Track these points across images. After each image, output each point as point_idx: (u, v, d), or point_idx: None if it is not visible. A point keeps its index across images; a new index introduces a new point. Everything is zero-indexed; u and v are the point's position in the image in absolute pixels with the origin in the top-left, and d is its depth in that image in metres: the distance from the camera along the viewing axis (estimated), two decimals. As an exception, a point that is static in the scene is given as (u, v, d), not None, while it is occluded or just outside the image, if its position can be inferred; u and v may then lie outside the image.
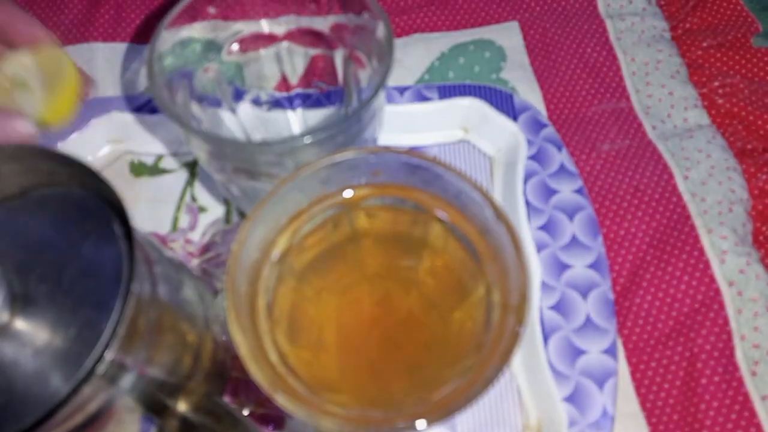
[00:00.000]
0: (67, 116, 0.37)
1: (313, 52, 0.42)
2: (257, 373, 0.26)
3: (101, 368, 0.25)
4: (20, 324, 0.26)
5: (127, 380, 0.27)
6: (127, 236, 0.27)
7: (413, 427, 0.27)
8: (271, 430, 0.39)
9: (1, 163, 0.29)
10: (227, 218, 0.45)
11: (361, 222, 0.35)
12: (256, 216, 0.29)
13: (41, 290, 0.27)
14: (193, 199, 0.46)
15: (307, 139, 0.32)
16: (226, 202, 0.46)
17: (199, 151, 0.34)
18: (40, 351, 0.26)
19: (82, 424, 0.27)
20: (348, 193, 0.33)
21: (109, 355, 0.25)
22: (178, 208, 0.46)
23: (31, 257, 0.28)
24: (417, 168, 0.31)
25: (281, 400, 0.25)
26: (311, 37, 0.41)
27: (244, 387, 0.40)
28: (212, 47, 0.40)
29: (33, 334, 0.26)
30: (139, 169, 0.48)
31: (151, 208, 0.46)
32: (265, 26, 0.41)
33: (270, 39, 0.41)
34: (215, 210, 0.46)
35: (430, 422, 0.27)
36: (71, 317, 0.27)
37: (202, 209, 0.46)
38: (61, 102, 0.36)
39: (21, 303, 0.26)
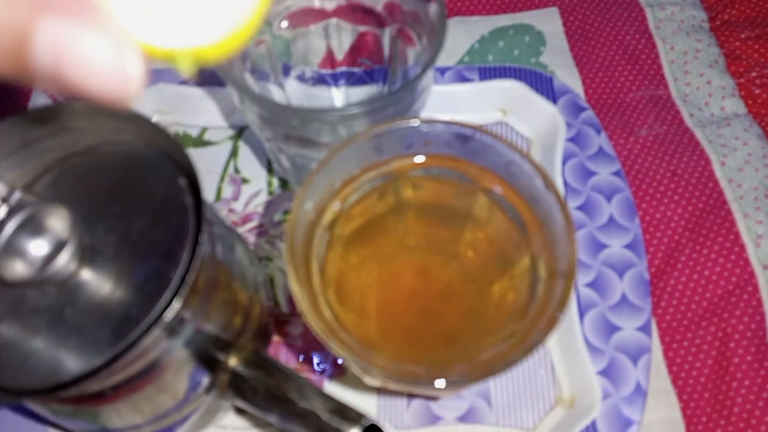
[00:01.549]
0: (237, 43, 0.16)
1: (362, 28, 0.43)
2: (315, 323, 0.27)
3: (169, 315, 0.26)
4: (89, 273, 0.28)
5: (186, 332, 0.29)
6: (193, 191, 0.28)
7: (454, 383, 0.28)
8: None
9: (69, 120, 0.30)
10: (270, 190, 0.46)
11: (407, 193, 0.36)
12: (314, 179, 0.30)
13: (109, 241, 0.28)
14: (237, 170, 0.47)
15: (360, 109, 0.33)
16: (269, 174, 0.47)
17: (253, 116, 0.36)
18: (107, 299, 0.27)
19: (143, 372, 0.28)
20: (397, 163, 0.34)
21: (178, 303, 0.26)
22: (222, 179, 0.47)
23: (99, 210, 0.29)
24: (467, 138, 0.32)
25: (336, 348, 0.27)
26: (361, 13, 0.42)
27: (284, 350, 0.41)
28: (264, 21, 0.41)
29: (101, 282, 0.28)
30: (184, 140, 0.49)
31: (195, 178, 0.47)
32: (316, 1, 0.42)
33: (320, 14, 0.42)
34: (258, 182, 0.47)
35: (470, 381, 0.28)
36: (138, 267, 0.28)
37: (245, 180, 0.47)
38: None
39: (89, 253, 0.28)
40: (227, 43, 0.15)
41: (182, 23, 0.14)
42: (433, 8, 0.36)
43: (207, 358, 0.31)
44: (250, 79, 0.39)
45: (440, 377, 0.28)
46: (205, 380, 0.31)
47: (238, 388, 0.31)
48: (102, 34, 0.14)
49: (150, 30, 0.14)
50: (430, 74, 0.36)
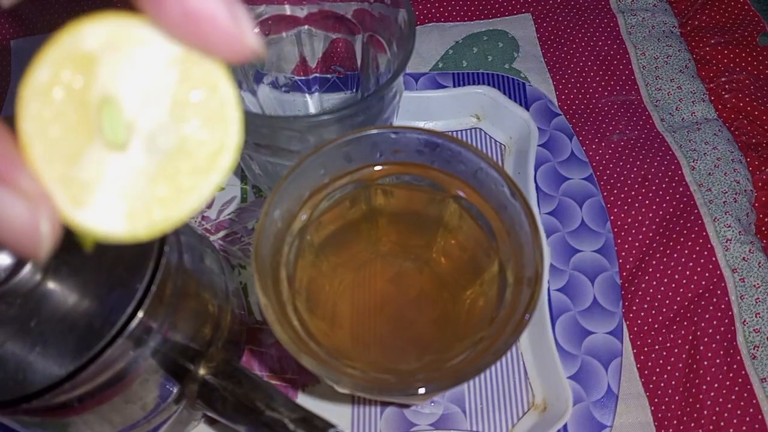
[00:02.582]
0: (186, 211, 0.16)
1: (334, 35, 0.43)
2: (282, 336, 0.27)
3: (133, 326, 0.26)
4: (53, 284, 0.27)
5: (152, 342, 0.28)
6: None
7: (423, 391, 0.28)
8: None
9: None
10: (243, 197, 0.46)
11: (378, 200, 0.36)
12: (281, 188, 0.30)
13: (74, 251, 0.28)
14: (210, 178, 0.47)
15: (329, 116, 0.33)
16: (243, 182, 0.47)
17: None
18: (72, 309, 0.27)
19: (109, 382, 0.28)
20: (368, 170, 0.34)
21: (141, 314, 0.26)
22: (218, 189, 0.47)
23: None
24: (436, 146, 0.32)
25: (305, 360, 0.26)
26: (333, 20, 0.42)
27: (257, 359, 0.41)
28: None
29: (66, 293, 0.27)
30: (157, 148, 0.48)
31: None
32: (287, 9, 0.42)
33: (292, 21, 0.42)
34: (231, 189, 0.47)
35: (440, 388, 0.28)
36: (103, 278, 0.27)
37: (218, 188, 0.47)
38: (190, 181, 0.16)
39: (54, 264, 0.27)
40: (143, 235, 0.16)
41: (103, 210, 0.15)
42: (402, 15, 0.36)
43: (176, 368, 0.31)
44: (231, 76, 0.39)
45: (410, 386, 0.28)
46: (175, 390, 0.31)
47: (208, 397, 0.31)
48: (19, 196, 0.14)
49: (72, 205, 0.15)
50: (400, 81, 0.36)
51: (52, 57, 0.14)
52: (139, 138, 0.15)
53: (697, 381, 0.39)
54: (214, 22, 0.14)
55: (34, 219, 0.15)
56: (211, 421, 0.38)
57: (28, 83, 0.14)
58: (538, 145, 0.45)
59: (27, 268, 0.26)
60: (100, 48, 0.14)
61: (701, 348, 0.40)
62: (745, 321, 0.40)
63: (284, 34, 0.43)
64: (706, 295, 0.41)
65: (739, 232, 0.43)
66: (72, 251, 0.28)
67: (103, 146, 0.15)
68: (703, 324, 0.40)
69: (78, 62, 0.14)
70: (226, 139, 0.15)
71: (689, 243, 0.43)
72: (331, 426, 0.28)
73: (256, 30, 0.42)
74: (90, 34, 0.14)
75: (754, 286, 0.41)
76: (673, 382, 0.39)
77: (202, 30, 0.14)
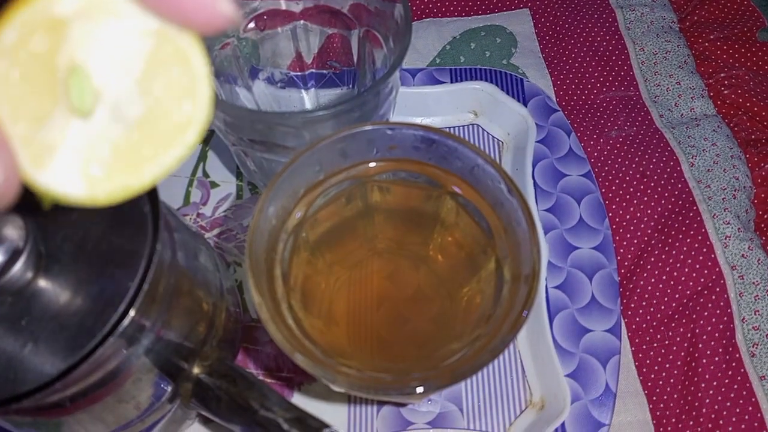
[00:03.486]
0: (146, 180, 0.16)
1: (330, 31, 0.43)
2: (276, 334, 0.27)
3: (125, 324, 0.25)
4: (45, 282, 0.27)
5: (145, 341, 0.28)
6: (151, 199, 0.28)
7: (420, 390, 0.27)
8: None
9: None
10: (239, 194, 0.46)
11: (374, 196, 0.36)
12: (275, 184, 0.30)
13: (66, 249, 0.28)
14: (205, 174, 0.47)
15: (324, 112, 0.32)
16: (238, 178, 0.46)
17: (218, 121, 0.35)
18: (63, 308, 0.27)
19: (102, 381, 0.27)
20: (363, 167, 0.34)
21: (133, 312, 0.25)
22: (191, 183, 0.46)
23: (55, 218, 0.29)
24: (432, 142, 0.32)
25: (299, 360, 0.26)
26: (328, 15, 0.41)
27: (253, 357, 0.40)
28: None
29: (57, 291, 0.27)
30: (152, 144, 0.48)
31: (163, 183, 0.46)
32: (282, 3, 0.41)
33: (287, 16, 0.42)
34: (227, 186, 0.46)
35: (437, 387, 0.28)
36: (95, 276, 0.27)
37: (214, 184, 0.46)
38: (158, 152, 0.16)
39: (46, 262, 0.27)
40: (102, 200, 0.16)
41: (63, 172, 0.15)
42: (398, 9, 0.35)
43: (169, 366, 0.31)
44: (214, 83, 0.39)
45: (407, 384, 0.27)
46: (169, 389, 0.31)
47: (202, 397, 0.31)
48: None
49: (33, 165, 0.15)
50: (396, 76, 0.36)
51: (22, 19, 0.14)
52: (105, 105, 0.15)
53: (695, 379, 0.39)
54: None
55: None
56: (205, 421, 0.38)
57: None
58: (536, 142, 0.45)
59: (18, 266, 0.26)
60: (74, 14, 0.14)
61: (700, 346, 0.39)
62: (744, 318, 0.40)
63: (280, 29, 0.43)
64: (705, 292, 0.41)
65: (738, 228, 0.42)
66: (62, 248, 0.28)
67: (68, 111, 0.15)
68: (701, 321, 0.40)
69: (49, 26, 0.14)
70: (193, 114, 0.15)
71: (688, 240, 0.42)
72: (326, 426, 0.28)
73: (251, 25, 0.42)
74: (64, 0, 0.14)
75: (753, 283, 0.40)
76: (672, 380, 0.39)
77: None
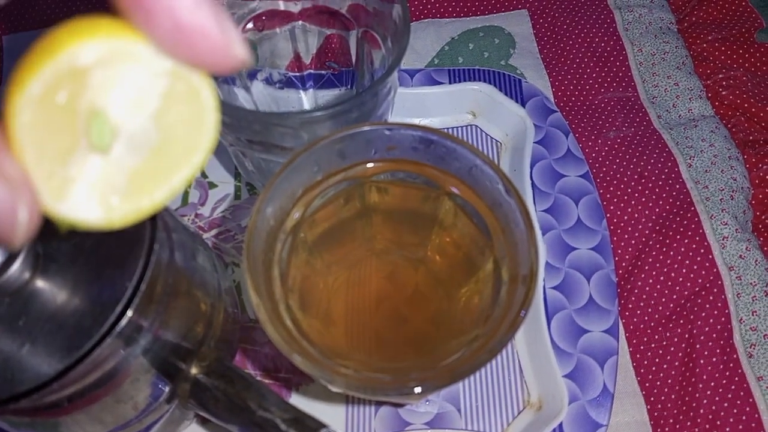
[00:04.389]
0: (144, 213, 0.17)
1: (328, 31, 0.43)
2: (274, 335, 0.27)
3: (122, 325, 0.25)
4: (42, 282, 0.27)
5: (143, 341, 0.28)
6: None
7: (418, 390, 0.27)
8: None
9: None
10: (237, 194, 0.46)
11: (373, 197, 0.36)
12: (273, 184, 0.30)
13: (63, 250, 0.28)
14: (204, 174, 0.47)
15: (322, 112, 0.32)
16: (236, 179, 0.46)
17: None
18: (61, 308, 0.27)
19: (99, 381, 0.27)
20: (361, 167, 0.34)
21: (131, 312, 0.25)
22: (189, 184, 0.46)
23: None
24: (431, 143, 0.32)
25: (297, 361, 0.26)
26: (327, 16, 0.41)
27: (251, 357, 0.40)
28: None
29: (54, 291, 0.27)
30: (150, 144, 0.48)
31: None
32: (281, 4, 0.41)
33: (285, 17, 0.42)
34: (225, 186, 0.46)
35: (435, 387, 0.28)
36: (92, 276, 0.27)
37: (212, 185, 0.46)
38: (162, 189, 0.17)
39: (43, 262, 0.27)
40: (117, 223, 0.17)
41: (81, 202, 0.16)
42: (396, 10, 0.35)
43: (167, 367, 0.31)
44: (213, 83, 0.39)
45: (405, 385, 0.27)
46: (166, 390, 0.31)
47: (200, 397, 0.31)
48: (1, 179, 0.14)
49: (52, 198, 0.16)
50: (394, 77, 0.36)
51: (48, 71, 0.15)
52: (122, 140, 0.16)
53: (693, 379, 0.39)
54: (203, 34, 0.14)
55: (13, 203, 0.15)
56: (203, 421, 0.38)
57: (20, 92, 0.15)
58: (534, 142, 0.45)
59: (15, 266, 0.26)
60: (94, 63, 0.15)
61: (697, 346, 0.39)
62: (741, 319, 0.40)
63: (278, 29, 0.43)
64: (703, 293, 0.41)
65: (736, 229, 0.42)
66: (60, 249, 0.28)
67: (87, 148, 0.16)
68: (699, 322, 0.40)
69: (72, 75, 0.15)
70: (202, 140, 0.16)
71: (686, 241, 0.42)
72: (323, 426, 0.28)
73: (250, 25, 0.42)
74: (85, 52, 0.15)
75: (751, 284, 0.41)
76: (669, 381, 0.39)
77: (192, 42, 0.15)
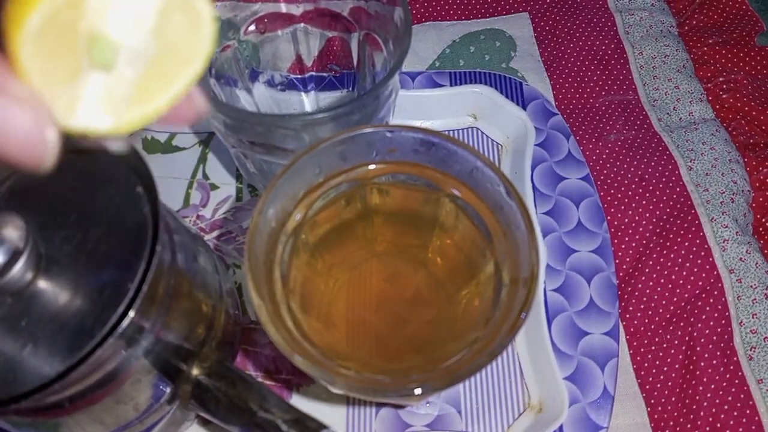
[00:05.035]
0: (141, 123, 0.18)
1: (330, 34, 0.43)
2: (276, 336, 0.27)
3: (124, 326, 0.25)
4: (44, 283, 0.27)
5: (144, 342, 0.28)
6: (151, 200, 0.28)
7: (418, 391, 0.27)
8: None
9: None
10: (238, 196, 0.46)
11: (374, 199, 0.36)
12: (275, 186, 0.30)
13: (66, 251, 0.28)
14: (205, 176, 0.47)
15: (324, 114, 0.32)
16: (238, 180, 0.46)
17: (218, 123, 0.35)
18: (63, 309, 0.27)
19: (101, 382, 0.27)
20: (363, 169, 0.34)
21: (133, 313, 0.25)
22: (190, 185, 0.47)
23: (56, 219, 0.29)
24: (432, 145, 0.32)
25: (298, 362, 0.26)
26: (329, 18, 0.42)
27: (252, 359, 0.40)
28: (231, 26, 0.41)
29: (56, 292, 0.27)
30: (152, 146, 0.48)
31: (163, 184, 0.46)
32: (283, 6, 0.41)
33: (287, 19, 0.42)
34: (227, 188, 0.46)
35: (436, 388, 0.28)
36: (94, 277, 0.27)
37: (213, 187, 0.46)
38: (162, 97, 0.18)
39: (46, 263, 0.27)
40: (124, 129, 0.18)
41: (90, 114, 0.17)
42: (398, 13, 0.35)
43: (168, 368, 0.31)
44: (215, 85, 0.39)
45: (405, 386, 0.27)
46: (168, 390, 0.31)
47: (201, 398, 0.31)
48: (21, 105, 0.15)
49: (64, 115, 0.16)
50: (396, 79, 0.36)
51: (45, 5, 0.15)
52: (123, 55, 0.17)
53: (693, 382, 0.39)
54: None
55: (39, 124, 0.15)
56: (204, 422, 0.38)
57: (20, 27, 0.15)
58: (535, 145, 0.45)
59: (18, 267, 0.26)
60: None
61: (698, 349, 0.39)
62: (741, 322, 0.40)
63: (280, 32, 0.43)
64: (703, 295, 0.41)
65: (737, 232, 0.42)
66: (62, 250, 0.28)
67: (91, 67, 0.17)
68: (699, 325, 0.40)
69: (68, 4, 0.16)
70: (198, 50, 0.18)
71: (686, 243, 0.42)
72: (324, 427, 0.28)
73: (252, 27, 0.42)
74: None
75: (751, 286, 0.41)
76: (670, 383, 0.39)
77: None
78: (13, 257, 0.26)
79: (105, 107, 0.17)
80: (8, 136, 0.15)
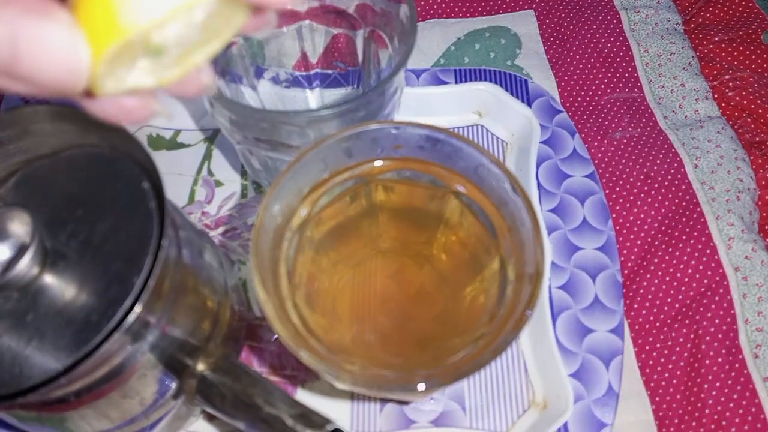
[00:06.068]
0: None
1: (335, 31, 0.43)
2: (282, 331, 0.27)
3: (130, 320, 0.25)
4: (51, 277, 0.27)
5: (150, 337, 0.28)
6: (157, 196, 0.28)
7: (423, 386, 0.27)
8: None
9: (34, 124, 0.30)
10: (243, 193, 0.46)
11: (379, 195, 0.36)
12: (280, 182, 0.30)
13: (72, 245, 0.28)
14: (210, 173, 0.47)
15: (328, 111, 0.33)
16: (243, 177, 0.46)
17: (223, 120, 0.35)
18: (69, 303, 0.27)
19: (107, 377, 0.27)
20: (368, 166, 0.34)
21: (139, 308, 0.26)
22: (195, 182, 0.47)
23: (62, 214, 0.29)
24: (437, 141, 0.32)
25: (305, 357, 0.26)
26: (334, 15, 0.42)
27: (257, 355, 0.40)
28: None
29: (63, 287, 0.27)
30: (157, 143, 0.48)
31: (168, 181, 0.46)
32: (288, 3, 0.41)
33: (292, 16, 0.42)
34: (232, 185, 0.47)
35: (440, 384, 0.28)
36: (101, 272, 0.27)
37: (218, 183, 0.46)
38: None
39: (52, 257, 0.27)
40: (165, 84, 0.19)
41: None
42: (403, 10, 0.35)
43: (174, 363, 0.31)
44: (220, 82, 0.39)
45: (410, 381, 0.27)
46: (173, 385, 0.31)
47: (206, 393, 0.31)
48: (56, 23, 0.15)
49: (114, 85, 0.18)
50: (401, 76, 0.36)
51: (122, 43, 0.17)
52: (173, 45, 0.18)
53: (698, 380, 0.39)
54: None
55: (73, 45, 0.15)
56: (209, 417, 0.38)
57: (98, 57, 0.17)
58: (540, 142, 0.45)
59: (24, 262, 0.26)
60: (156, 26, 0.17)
61: (703, 347, 0.39)
62: (747, 320, 0.40)
63: (285, 28, 0.43)
64: (708, 293, 0.41)
65: (742, 230, 0.42)
66: (68, 244, 0.28)
67: (142, 56, 0.18)
68: (705, 323, 0.40)
69: (140, 41, 0.17)
70: (233, 23, 0.19)
71: (691, 241, 0.42)
72: (329, 422, 0.28)
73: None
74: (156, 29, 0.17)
75: (757, 284, 0.41)
76: (675, 381, 0.39)
77: None
78: (20, 252, 0.26)
79: (150, 74, 0.19)
80: (42, 58, 0.15)
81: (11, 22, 0.14)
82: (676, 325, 0.40)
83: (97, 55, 0.17)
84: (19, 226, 0.26)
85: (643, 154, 0.47)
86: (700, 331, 0.40)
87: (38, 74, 0.15)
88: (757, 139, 0.48)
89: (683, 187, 0.45)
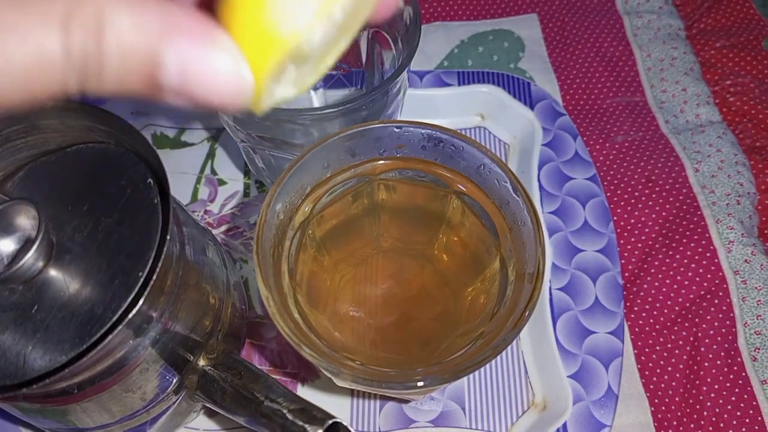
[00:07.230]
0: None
1: (339, 31, 0.43)
2: (283, 327, 0.27)
3: (133, 314, 0.26)
4: (56, 271, 0.27)
5: (153, 332, 0.28)
6: (161, 191, 0.28)
7: (422, 384, 0.27)
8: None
9: (41, 120, 0.30)
10: (246, 191, 0.46)
11: (381, 195, 0.36)
12: (283, 180, 0.30)
13: (77, 240, 0.28)
14: (213, 172, 0.47)
15: (333, 110, 0.33)
16: (246, 176, 0.47)
17: (227, 118, 0.36)
18: (73, 297, 0.27)
19: (109, 370, 0.28)
20: (370, 165, 0.34)
21: (142, 303, 0.26)
22: (199, 180, 0.47)
23: (68, 209, 0.29)
24: (440, 141, 0.32)
25: (305, 352, 0.26)
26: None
27: (258, 352, 0.41)
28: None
29: (67, 280, 0.27)
30: (161, 141, 0.49)
31: (171, 179, 0.47)
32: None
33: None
34: (234, 183, 0.47)
35: (439, 381, 0.28)
36: (105, 266, 0.28)
37: (221, 182, 0.47)
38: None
39: (57, 251, 0.28)
40: (305, 90, 0.20)
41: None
42: (408, 11, 0.36)
43: (175, 358, 0.31)
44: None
45: (409, 378, 0.28)
46: (174, 380, 0.31)
47: (207, 388, 0.31)
48: (222, 51, 0.16)
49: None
50: (404, 76, 0.36)
51: (282, 60, 0.17)
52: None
53: (697, 382, 0.39)
54: None
55: (238, 69, 0.16)
56: (210, 413, 0.38)
57: (261, 78, 0.17)
58: (542, 145, 0.45)
59: (29, 256, 0.26)
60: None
61: (702, 349, 0.39)
62: (746, 323, 0.40)
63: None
64: (708, 296, 0.41)
65: (742, 234, 0.42)
66: (73, 239, 0.28)
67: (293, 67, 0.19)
68: (704, 325, 0.40)
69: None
70: (362, 17, 0.19)
71: (692, 244, 0.43)
72: (331, 417, 0.28)
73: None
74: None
75: (756, 288, 0.41)
76: (674, 383, 0.39)
77: None
78: (25, 245, 0.26)
79: (294, 84, 0.19)
80: (212, 82, 0.16)
81: (182, 51, 0.16)
82: (676, 328, 0.41)
83: (260, 71, 0.17)
84: (26, 220, 0.26)
85: (645, 158, 0.47)
86: (700, 334, 0.40)
87: (205, 97, 0.16)
88: (758, 144, 0.48)
89: (684, 190, 0.45)
